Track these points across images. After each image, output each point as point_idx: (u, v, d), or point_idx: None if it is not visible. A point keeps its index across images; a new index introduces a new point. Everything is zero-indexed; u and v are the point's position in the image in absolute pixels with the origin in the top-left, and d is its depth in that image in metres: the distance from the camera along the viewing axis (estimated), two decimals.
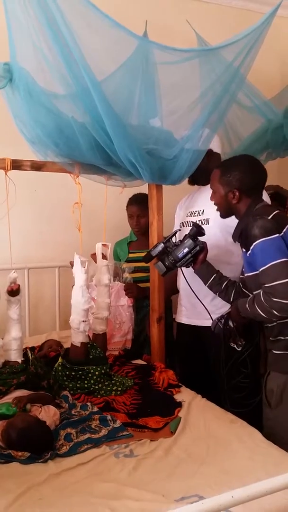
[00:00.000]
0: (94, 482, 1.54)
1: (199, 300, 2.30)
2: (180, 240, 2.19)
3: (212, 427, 1.90)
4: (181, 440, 1.82)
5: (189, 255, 2.15)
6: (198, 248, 2.15)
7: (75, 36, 1.90)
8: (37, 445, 1.70)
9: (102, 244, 2.51)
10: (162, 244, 2.24)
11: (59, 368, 2.25)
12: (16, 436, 1.69)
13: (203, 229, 2.18)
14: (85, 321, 2.26)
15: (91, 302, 2.28)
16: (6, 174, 2.14)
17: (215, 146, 2.56)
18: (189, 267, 2.24)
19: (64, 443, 1.77)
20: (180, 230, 2.44)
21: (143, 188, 2.69)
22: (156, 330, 2.60)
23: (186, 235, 2.19)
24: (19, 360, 2.16)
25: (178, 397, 2.16)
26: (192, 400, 2.12)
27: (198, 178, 2.57)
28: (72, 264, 2.33)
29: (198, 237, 2.17)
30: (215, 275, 2.21)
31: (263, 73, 2.98)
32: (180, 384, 2.30)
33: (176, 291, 2.71)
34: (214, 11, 3.75)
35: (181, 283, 2.56)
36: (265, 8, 3.71)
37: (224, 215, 2.14)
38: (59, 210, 3.16)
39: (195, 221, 2.34)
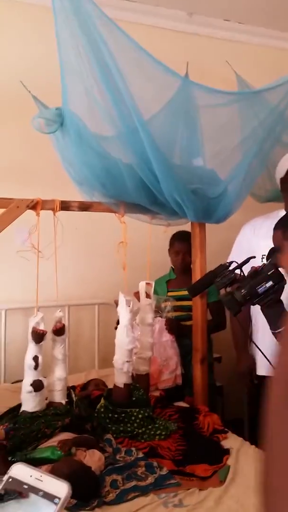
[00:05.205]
0: None
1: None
2: (255, 269, 1.71)
3: None
4: (232, 490, 1.74)
5: (272, 291, 1.64)
6: (284, 282, 1.65)
7: (124, 78, 1.95)
8: (84, 492, 1.65)
9: (146, 283, 2.50)
10: (231, 273, 1.74)
11: (102, 410, 2.21)
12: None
13: None
14: (129, 361, 2.23)
15: (136, 342, 2.26)
16: (55, 215, 2.17)
17: None
18: (269, 306, 1.69)
19: (110, 490, 1.72)
20: (254, 257, 1.89)
21: (186, 226, 2.68)
22: (199, 371, 2.54)
23: (266, 263, 1.72)
24: (63, 401, 2.13)
25: (225, 444, 2.08)
26: (241, 448, 2.04)
27: None
28: (116, 303, 2.32)
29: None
30: None
31: None
32: (226, 429, 2.22)
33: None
34: (252, 52, 3.80)
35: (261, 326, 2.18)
36: None
37: None
38: (101, 248, 3.18)
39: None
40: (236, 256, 2.51)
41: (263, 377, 2.27)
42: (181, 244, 2.92)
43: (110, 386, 2.38)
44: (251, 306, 2.19)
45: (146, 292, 2.50)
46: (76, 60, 1.94)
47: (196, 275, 2.54)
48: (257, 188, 3.03)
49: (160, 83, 2.23)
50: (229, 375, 3.53)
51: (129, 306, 2.24)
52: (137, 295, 2.53)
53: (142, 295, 2.49)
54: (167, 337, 2.80)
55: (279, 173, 2.33)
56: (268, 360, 1.84)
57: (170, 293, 3.03)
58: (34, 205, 2.13)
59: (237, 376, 2.46)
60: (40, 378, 2.02)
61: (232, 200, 2.37)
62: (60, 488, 0.85)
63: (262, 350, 1.90)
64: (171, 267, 3.15)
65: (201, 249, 2.55)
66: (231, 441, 2.11)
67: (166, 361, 2.72)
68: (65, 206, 2.23)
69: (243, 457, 1.97)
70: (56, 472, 1.66)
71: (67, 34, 1.89)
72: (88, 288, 3.36)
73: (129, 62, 2.02)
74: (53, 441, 1.90)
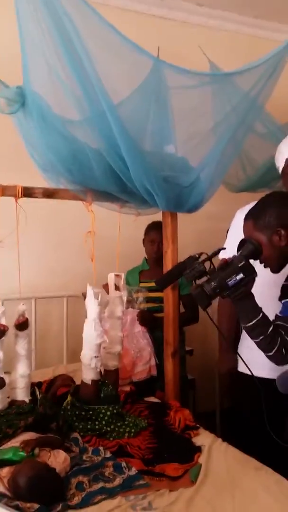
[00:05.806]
0: None
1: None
2: (225, 261, 1.64)
3: (236, 475, 1.75)
4: (203, 490, 1.67)
5: (242, 283, 1.60)
6: (255, 275, 1.62)
7: (92, 58, 1.83)
8: (47, 495, 1.56)
9: (115, 275, 2.40)
10: (200, 265, 1.67)
11: (68, 407, 2.11)
12: (25, 485, 1.54)
13: (262, 249, 1.66)
14: (97, 356, 2.14)
15: (104, 336, 2.16)
16: (16, 201, 2.05)
17: None
18: (239, 299, 1.64)
19: (76, 493, 1.62)
20: (224, 248, 1.82)
21: (157, 216, 2.59)
22: (171, 365, 2.46)
23: (237, 255, 1.66)
24: (27, 400, 2.02)
25: (196, 441, 2.01)
26: (212, 444, 1.97)
27: None
28: (84, 295, 2.21)
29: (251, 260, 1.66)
30: (262, 313, 1.66)
31: (277, 97, 2.93)
32: (198, 425, 2.15)
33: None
34: (224, 38, 3.74)
35: None
36: (276, 35, 3.74)
37: (277, 267, 1.71)
38: (68, 238, 3.07)
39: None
40: (232, 243, 2.39)
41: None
42: (157, 233, 2.83)
43: (79, 381, 2.28)
44: None
45: (115, 284, 2.40)
46: (38, 35, 1.81)
47: (168, 267, 2.46)
48: (229, 176, 2.97)
49: (131, 64, 2.12)
50: (201, 368, 3.49)
51: (97, 299, 2.14)
52: (106, 287, 2.43)
53: (111, 287, 2.39)
54: (139, 328, 2.74)
55: (283, 155, 2.16)
56: (244, 362, 1.80)
57: (142, 284, 2.95)
58: None
59: (219, 376, 2.38)
60: (1, 375, 1.91)
61: (204, 189, 2.28)
62: None
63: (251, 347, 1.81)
64: (145, 257, 3.06)
65: (173, 239, 2.46)
66: (203, 438, 2.04)
67: (140, 352, 2.66)
68: (28, 192, 2.11)
69: (215, 455, 1.90)
70: (18, 475, 1.57)
71: (27, 6, 1.76)
72: (56, 279, 3.25)
73: (96, 41, 1.89)
74: (16, 442, 1.79)
